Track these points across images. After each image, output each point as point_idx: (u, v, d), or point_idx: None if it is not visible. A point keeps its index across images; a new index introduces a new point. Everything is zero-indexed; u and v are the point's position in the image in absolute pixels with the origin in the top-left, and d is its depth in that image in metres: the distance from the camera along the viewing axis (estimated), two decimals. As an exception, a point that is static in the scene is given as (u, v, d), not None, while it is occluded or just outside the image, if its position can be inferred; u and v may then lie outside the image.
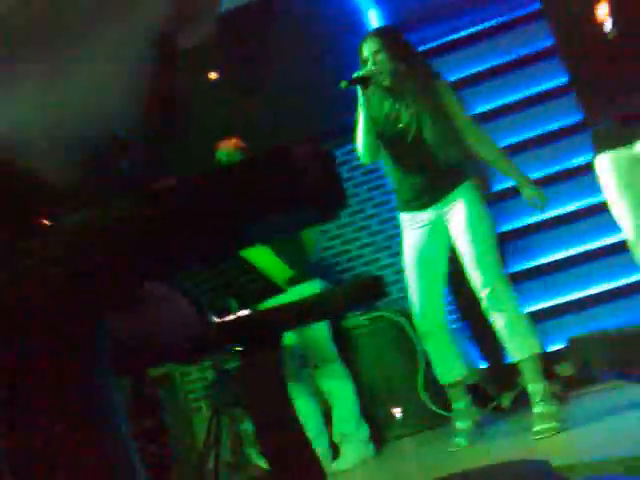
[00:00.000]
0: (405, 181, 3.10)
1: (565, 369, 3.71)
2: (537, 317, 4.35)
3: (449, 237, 3.08)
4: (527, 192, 2.99)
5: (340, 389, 3.65)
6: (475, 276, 2.97)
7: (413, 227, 3.11)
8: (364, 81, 2.98)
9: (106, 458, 0.68)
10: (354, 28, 4.37)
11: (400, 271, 3.33)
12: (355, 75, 2.98)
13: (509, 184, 4.77)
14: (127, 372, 1.93)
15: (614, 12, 2.32)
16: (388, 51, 3.01)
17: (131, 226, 0.55)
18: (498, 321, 2.94)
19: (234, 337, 1.60)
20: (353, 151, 3.24)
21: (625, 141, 2.44)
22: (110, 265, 0.56)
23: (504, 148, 3.53)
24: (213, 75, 4.52)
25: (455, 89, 3.32)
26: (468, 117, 3.13)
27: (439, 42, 5.05)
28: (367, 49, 3.05)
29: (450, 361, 3.12)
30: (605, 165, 2.50)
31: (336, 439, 3.63)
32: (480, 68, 5.01)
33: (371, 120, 3.03)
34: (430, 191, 3.05)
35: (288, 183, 0.56)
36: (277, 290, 3.32)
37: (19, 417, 0.67)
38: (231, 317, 3.28)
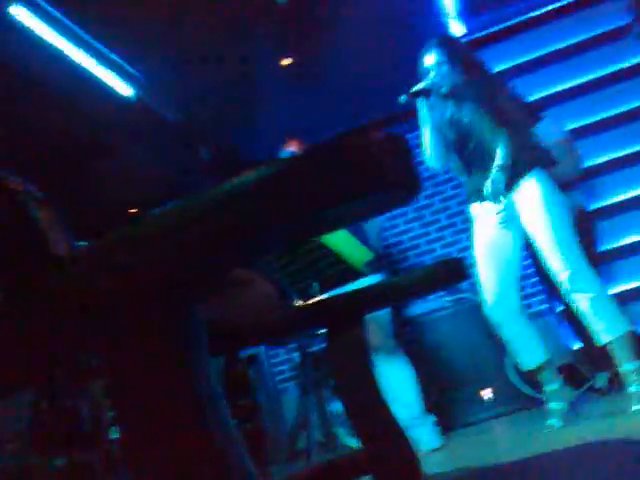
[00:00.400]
0: (473, 177, 3.12)
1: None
2: (628, 296, 4.20)
3: (521, 224, 3.03)
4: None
5: (399, 376, 3.56)
6: (553, 260, 2.90)
7: (484, 216, 3.10)
8: (426, 93, 3.08)
9: (211, 442, 0.68)
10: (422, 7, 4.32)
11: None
12: (416, 88, 3.08)
13: (595, 162, 4.63)
14: (216, 354, 1.99)
15: None
16: (450, 63, 3.09)
17: (217, 214, 0.57)
18: (581, 304, 2.85)
19: (318, 319, 1.61)
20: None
21: None
22: (199, 251, 0.58)
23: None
24: (285, 62, 4.52)
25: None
26: (511, 120, 3.03)
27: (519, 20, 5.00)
28: (430, 60, 3.12)
29: (529, 347, 3.04)
30: None
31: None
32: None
33: (435, 127, 3.14)
34: None
35: (363, 167, 0.56)
36: (357, 274, 3.34)
37: (122, 401, 0.69)
38: (314, 299, 3.32)
